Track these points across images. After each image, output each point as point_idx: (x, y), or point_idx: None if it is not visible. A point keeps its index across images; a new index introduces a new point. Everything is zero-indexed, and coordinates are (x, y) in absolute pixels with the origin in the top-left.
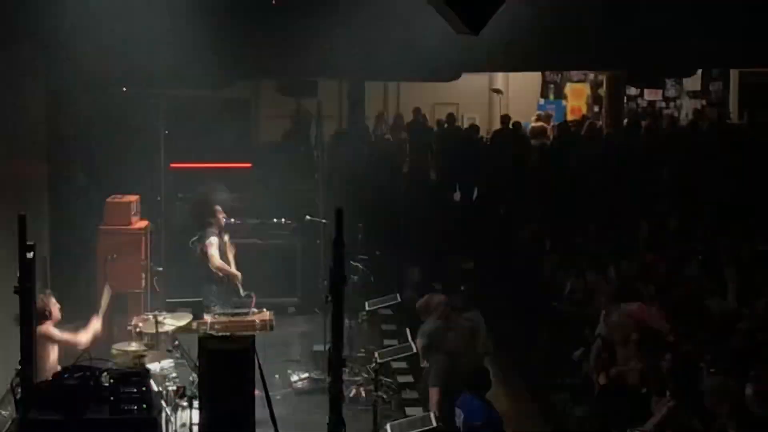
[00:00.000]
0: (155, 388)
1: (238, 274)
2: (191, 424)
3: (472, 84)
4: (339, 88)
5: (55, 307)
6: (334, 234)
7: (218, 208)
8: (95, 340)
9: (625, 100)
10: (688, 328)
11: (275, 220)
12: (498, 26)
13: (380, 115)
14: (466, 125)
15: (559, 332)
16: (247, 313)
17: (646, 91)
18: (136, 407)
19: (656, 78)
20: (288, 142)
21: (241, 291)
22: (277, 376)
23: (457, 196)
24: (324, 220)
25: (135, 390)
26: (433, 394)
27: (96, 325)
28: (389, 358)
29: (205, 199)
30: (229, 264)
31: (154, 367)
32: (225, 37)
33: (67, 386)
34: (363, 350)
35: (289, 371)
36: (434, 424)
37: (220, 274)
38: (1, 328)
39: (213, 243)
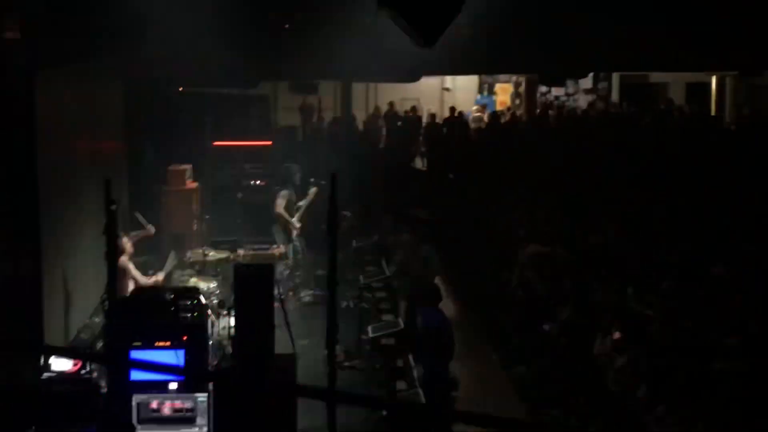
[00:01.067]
0: (203, 301)
1: (293, 221)
2: (229, 327)
3: (428, 84)
4: (334, 87)
5: (127, 244)
6: (329, 191)
7: (297, 176)
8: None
9: (538, 95)
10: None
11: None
12: (447, 39)
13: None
14: (425, 114)
15: (488, 257)
16: (268, 249)
17: (553, 88)
18: (189, 314)
19: (560, 79)
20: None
21: (294, 234)
22: (290, 293)
23: (419, 164)
24: (323, 182)
25: (189, 302)
26: (401, 305)
27: (159, 278)
28: (370, 280)
29: (289, 170)
30: (291, 216)
31: (202, 286)
32: (252, 51)
33: (142, 299)
34: (351, 275)
35: (298, 289)
36: (401, 326)
37: (280, 219)
38: (97, 260)
39: (281, 196)
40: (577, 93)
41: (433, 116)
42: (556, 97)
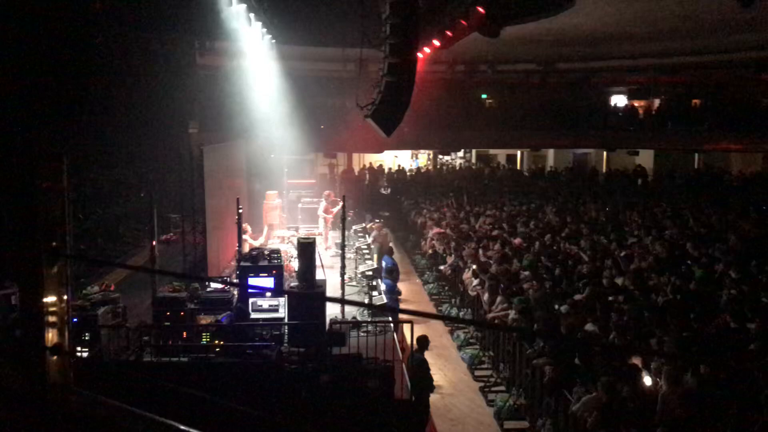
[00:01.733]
0: (283, 255)
1: (325, 218)
2: (296, 270)
3: (388, 154)
4: (344, 155)
5: (247, 228)
6: (342, 204)
7: (326, 193)
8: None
9: (438, 158)
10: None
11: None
12: (396, 133)
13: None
14: (386, 168)
15: (413, 233)
16: (314, 231)
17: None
18: (276, 261)
19: (449, 152)
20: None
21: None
22: (325, 249)
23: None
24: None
25: (276, 255)
26: (375, 257)
27: (262, 239)
28: (361, 244)
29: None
30: (327, 217)
31: (282, 248)
32: (307, 137)
33: (255, 255)
34: (352, 242)
35: (326, 250)
36: (375, 266)
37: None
38: (231, 234)
39: (320, 205)
40: (455, 158)
41: (389, 168)
42: (446, 160)
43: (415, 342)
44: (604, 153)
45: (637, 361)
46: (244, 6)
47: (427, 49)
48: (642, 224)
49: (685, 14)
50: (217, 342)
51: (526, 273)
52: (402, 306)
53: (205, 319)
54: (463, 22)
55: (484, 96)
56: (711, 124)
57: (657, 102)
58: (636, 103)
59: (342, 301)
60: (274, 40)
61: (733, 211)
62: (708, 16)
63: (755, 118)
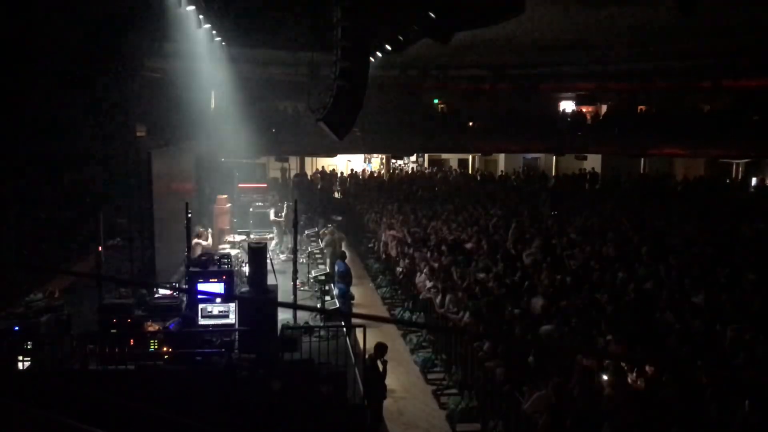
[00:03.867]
0: (234, 261)
1: (279, 221)
2: (246, 275)
3: (341, 158)
4: (296, 159)
5: (203, 233)
6: (293, 210)
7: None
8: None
9: (391, 163)
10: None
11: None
12: (349, 137)
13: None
14: (339, 172)
15: (366, 236)
16: (265, 235)
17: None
18: (226, 266)
19: (401, 156)
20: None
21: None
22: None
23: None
24: (290, 203)
25: (226, 261)
26: (328, 261)
27: (213, 248)
28: (313, 249)
29: (275, 197)
30: (279, 219)
31: (232, 252)
32: (258, 142)
33: (203, 260)
34: (305, 247)
35: (278, 254)
36: (327, 270)
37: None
38: (181, 238)
39: (271, 210)
40: (408, 162)
41: (342, 173)
42: (399, 165)
43: (372, 348)
44: (554, 157)
45: (589, 362)
46: (193, 8)
47: (379, 53)
48: (589, 227)
49: (629, 23)
50: (165, 349)
51: (480, 276)
52: (355, 310)
53: (152, 326)
54: (415, 27)
55: (435, 101)
56: (655, 129)
57: (604, 108)
58: (583, 109)
59: (295, 306)
60: (224, 43)
61: (677, 214)
62: (651, 24)
63: (697, 124)
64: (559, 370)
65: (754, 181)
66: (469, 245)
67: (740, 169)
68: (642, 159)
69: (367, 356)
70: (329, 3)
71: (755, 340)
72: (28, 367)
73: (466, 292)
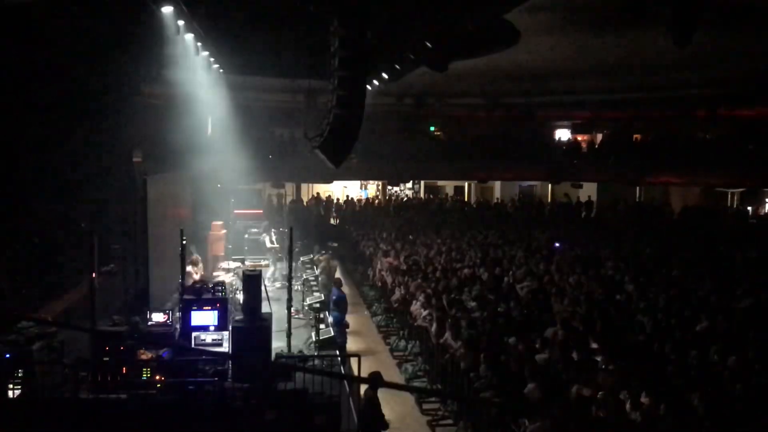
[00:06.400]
0: (228, 288)
1: (275, 248)
2: (241, 302)
3: (337, 184)
4: (293, 185)
5: (197, 260)
6: (289, 235)
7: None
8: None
9: (387, 190)
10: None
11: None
12: (345, 164)
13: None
14: (335, 199)
15: (362, 264)
16: (260, 262)
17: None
18: (220, 294)
19: (397, 183)
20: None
21: (276, 255)
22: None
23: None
24: (285, 229)
25: (220, 288)
26: (324, 289)
27: (206, 276)
28: (308, 276)
29: (269, 225)
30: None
31: (227, 280)
32: (255, 168)
33: (198, 288)
34: (300, 273)
35: (273, 280)
36: (323, 298)
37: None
38: (175, 265)
39: (266, 237)
40: (404, 189)
41: (338, 199)
42: (395, 192)
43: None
44: (549, 185)
45: (588, 392)
46: (191, 35)
47: (376, 82)
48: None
49: (625, 53)
50: (158, 378)
51: (473, 304)
52: (350, 338)
53: (145, 354)
54: (412, 56)
55: (432, 128)
56: (651, 158)
57: (599, 136)
58: (579, 137)
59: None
60: (222, 70)
61: (673, 243)
62: (647, 55)
63: (693, 153)
64: (556, 400)
65: (749, 209)
66: (463, 272)
67: (736, 198)
68: (638, 187)
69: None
70: (327, 32)
71: (751, 370)
72: (18, 395)
73: (460, 320)
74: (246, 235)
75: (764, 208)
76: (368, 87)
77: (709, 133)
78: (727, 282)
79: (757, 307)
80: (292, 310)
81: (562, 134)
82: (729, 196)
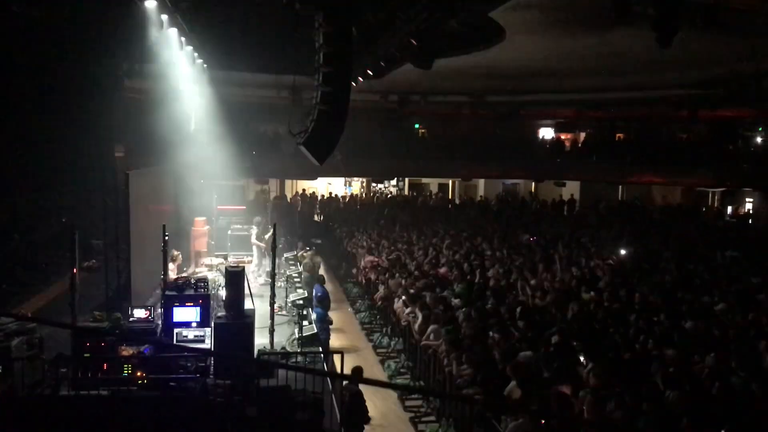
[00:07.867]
0: (210, 284)
1: (260, 245)
2: (223, 299)
3: (321, 181)
4: (276, 181)
5: (177, 256)
6: (272, 232)
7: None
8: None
9: (371, 186)
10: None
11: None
12: (329, 161)
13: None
14: (319, 195)
15: (346, 261)
16: (243, 258)
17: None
18: (203, 290)
19: (382, 180)
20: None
21: (260, 251)
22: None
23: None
24: (270, 226)
25: (203, 284)
26: (307, 286)
27: (189, 271)
28: (291, 273)
29: (256, 220)
30: (261, 242)
31: (210, 276)
32: (238, 164)
33: (180, 283)
34: (283, 270)
35: (257, 277)
36: (306, 294)
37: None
38: (156, 261)
39: (253, 231)
40: (389, 186)
41: (322, 196)
42: (379, 189)
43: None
44: (533, 183)
45: (567, 389)
46: (175, 30)
47: (360, 79)
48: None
49: (608, 53)
50: (139, 374)
51: (456, 301)
52: (333, 335)
53: (127, 351)
54: (396, 53)
55: (416, 126)
56: (633, 157)
57: (582, 135)
58: (562, 136)
59: (272, 330)
60: (205, 65)
61: (655, 241)
62: (630, 55)
63: (674, 153)
64: (537, 397)
65: (729, 209)
66: (442, 270)
67: (716, 197)
68: (620, 186)
69: (344, 383)
70: (311, 28)
71: (730, 370)
72: None
73: (443, 317)
74: (229, 231)
75: (743, 208)
76: (353, 83)
77: (690, 134)
78: (707, 282)
79: (734, 308)
80: (276, 306)
81: (546, 133)
82: (710, 195)
